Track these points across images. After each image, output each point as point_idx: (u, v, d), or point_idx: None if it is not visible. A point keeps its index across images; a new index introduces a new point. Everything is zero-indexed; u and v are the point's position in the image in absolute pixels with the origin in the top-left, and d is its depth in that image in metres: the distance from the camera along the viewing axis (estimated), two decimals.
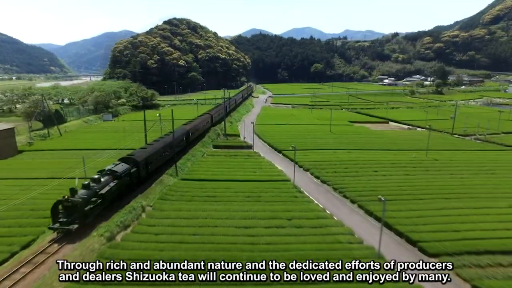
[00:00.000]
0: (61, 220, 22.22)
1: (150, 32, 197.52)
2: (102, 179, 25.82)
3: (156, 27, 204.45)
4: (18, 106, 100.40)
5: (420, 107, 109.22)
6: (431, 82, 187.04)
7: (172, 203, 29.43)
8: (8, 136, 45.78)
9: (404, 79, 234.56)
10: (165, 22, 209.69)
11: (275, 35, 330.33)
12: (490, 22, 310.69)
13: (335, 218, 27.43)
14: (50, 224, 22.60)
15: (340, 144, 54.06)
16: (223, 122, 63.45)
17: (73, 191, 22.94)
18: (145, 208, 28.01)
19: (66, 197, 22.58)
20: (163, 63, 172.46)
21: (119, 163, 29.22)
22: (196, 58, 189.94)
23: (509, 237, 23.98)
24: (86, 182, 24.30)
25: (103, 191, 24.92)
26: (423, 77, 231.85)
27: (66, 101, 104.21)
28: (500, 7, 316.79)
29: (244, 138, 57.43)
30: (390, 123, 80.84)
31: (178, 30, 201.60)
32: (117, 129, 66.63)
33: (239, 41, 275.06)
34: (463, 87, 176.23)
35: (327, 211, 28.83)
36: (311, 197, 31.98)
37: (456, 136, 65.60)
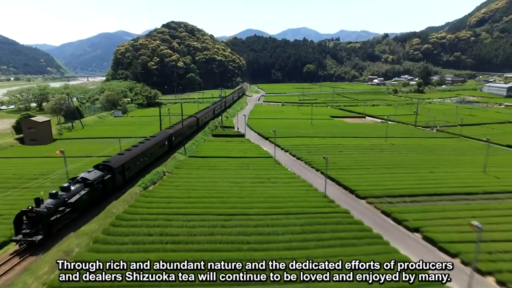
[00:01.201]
0: (24, 231, 21.47)
1: (150, 35, 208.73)
2: (72, 187, 25.40)
3: (155, 30, 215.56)
4: (32, 104, 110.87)
5: (398, 104, 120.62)
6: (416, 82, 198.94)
7: (185, 170, 40.52)
8: (46, 127, 56.47)
9: (393, 79, 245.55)
10: (163, 26, 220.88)
11: (270, 37, 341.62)
12: (475, 24, 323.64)
13: (301, 178, 38.52)
14: (12, 236, 21.77)
15: (318, 133, 65.34)
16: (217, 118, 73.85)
17: (38, 201, 22.26)
18: (165, 173, 38.92)
19: (31, 207, 21.77)
20: (163, 64, 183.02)
21: (92, 170, 28.87)
22: (194, 59, 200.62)
23: (416, 187, 35.03)
24: (54, 191, 23.62)
25: (72, 200, 24.42)
26: (410, 77, 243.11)
27: (74, 100, 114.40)
28: (485, 9, 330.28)
29: (238, 129, 68.50)
30: (367, 117, 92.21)
31: (176, 33, 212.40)
32: (129, 123, 77.46)
33: (234, 43, 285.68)
34: (444, 86, 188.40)
35: (296, 175, 39.91)
36: (286, 167, 43.10)
37: (419, 127, 77.09)
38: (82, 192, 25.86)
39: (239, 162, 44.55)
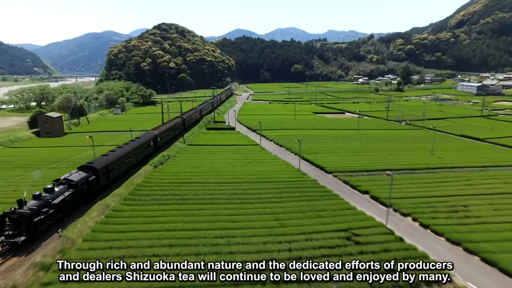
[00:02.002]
0: (6, 233, 21.55)
1: (141, 37, 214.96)
2: (56, 189, 25.56)
3: (147, 31, 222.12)
4: (32, 104, 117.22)
5: (377, 102, 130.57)
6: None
7: (186, 154, 48.67)
8: (59, 121, 63.73)
9: (377, 78, 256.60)
10: (155, 27, 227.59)
11: (258, 37, 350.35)
12: (455, 26, 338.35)
13: (282, 159, 47.03)
14: None
15: (299, 126, 73.98)
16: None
17: (21, 203, 22.37)
18: (169, 157, 46.91)
19: (13, 209, 21.93)
20: (155, 65, 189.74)
21: (76, 172, 29.09)
22: (185, 60, 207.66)
23: (374, 165, 43.76)
24: (38, 193, 23.94)
25: (56, 201, 24.55)
26: (394, 77, 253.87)
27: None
28: (464, 12, 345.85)
29: (229, 123, 76.70)
30: (346, 113, 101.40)
31: (167, 34, 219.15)
32: (129, 119, 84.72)
33: (224, 44, 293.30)
34: (422, 85, 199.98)
35: (278, 157, 48.42)
36: (270, 152, 51.54)
37: (390, 121, 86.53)
38: (66, 193, 26.01)
39: (231, 148, 52.85)
